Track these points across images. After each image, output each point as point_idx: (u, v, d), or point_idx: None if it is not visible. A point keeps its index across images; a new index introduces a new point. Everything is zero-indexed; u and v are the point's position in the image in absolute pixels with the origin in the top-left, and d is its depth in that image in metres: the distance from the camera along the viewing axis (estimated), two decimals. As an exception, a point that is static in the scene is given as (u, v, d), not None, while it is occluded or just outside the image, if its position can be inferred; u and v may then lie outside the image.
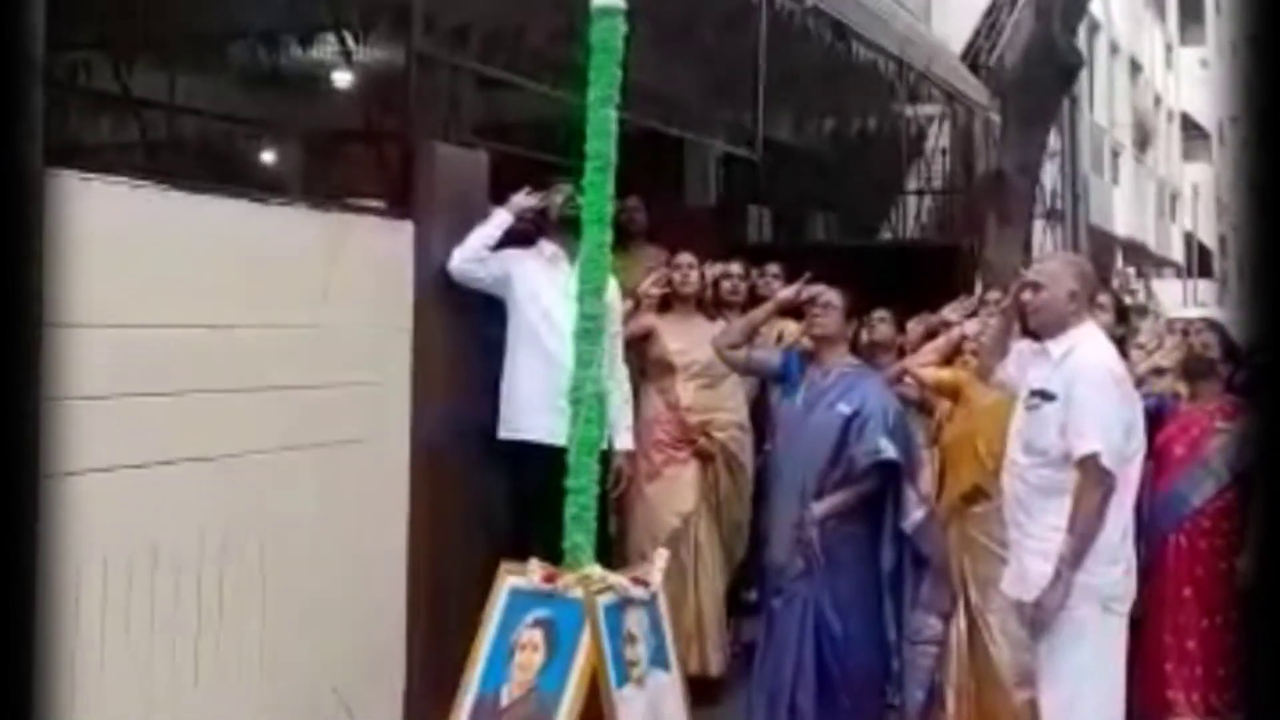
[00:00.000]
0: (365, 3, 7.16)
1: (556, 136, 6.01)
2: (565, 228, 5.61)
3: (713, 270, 6.97)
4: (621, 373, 6.03)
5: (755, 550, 6.61)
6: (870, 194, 13.67)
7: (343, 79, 8.99)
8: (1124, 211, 31.61)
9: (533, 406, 5.61)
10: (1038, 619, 4.57)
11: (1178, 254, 41.99)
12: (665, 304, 6.72)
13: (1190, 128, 44.50)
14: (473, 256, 5.68)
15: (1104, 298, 6.44)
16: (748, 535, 6.79)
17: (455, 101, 7.45)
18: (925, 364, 6.04)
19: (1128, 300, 8.31)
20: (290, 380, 4.88)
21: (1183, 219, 43.25)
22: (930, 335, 6.28)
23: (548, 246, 5.89)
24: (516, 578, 4.56)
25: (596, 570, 4.50)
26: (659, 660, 4.62)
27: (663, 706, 4.61)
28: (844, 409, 5.46)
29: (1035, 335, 4.92)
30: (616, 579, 4.52)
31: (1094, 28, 26.98)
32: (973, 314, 6.31)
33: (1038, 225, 16.22)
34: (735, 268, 7.14)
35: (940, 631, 5.72)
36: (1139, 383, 5.39)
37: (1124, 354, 5.93)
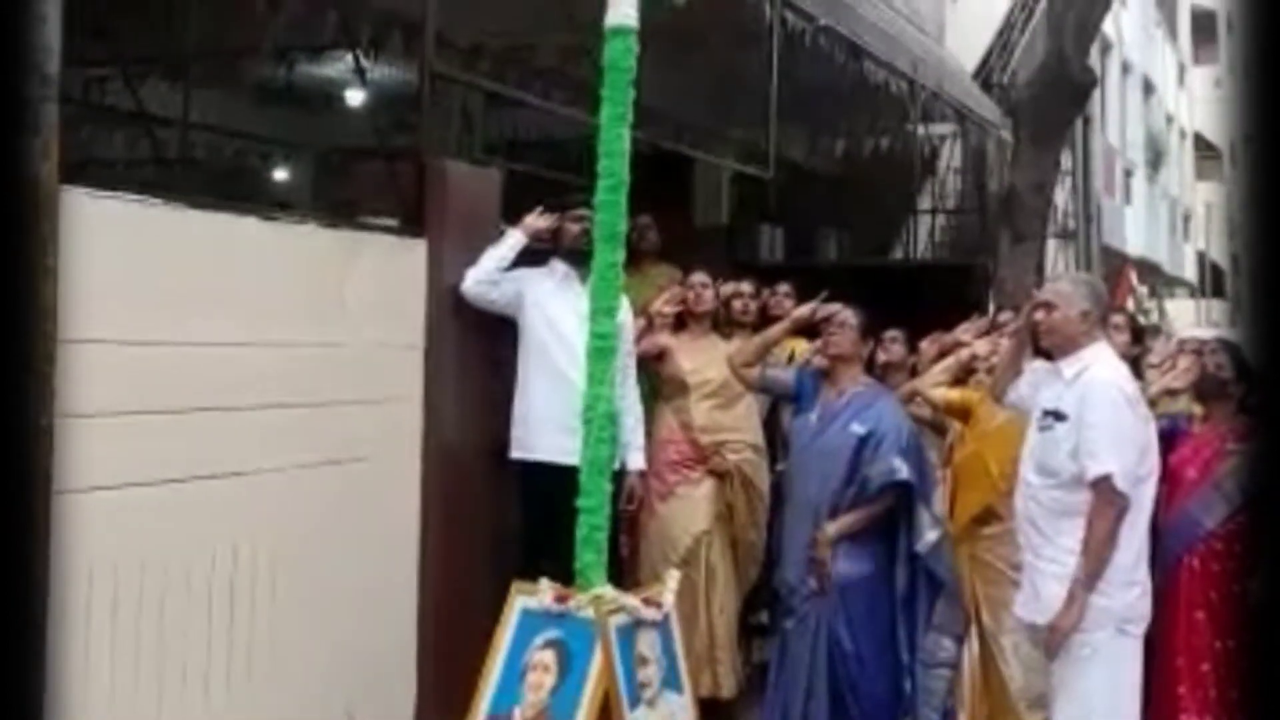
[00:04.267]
0: (378, 21, 7.19)
1: (569, 155, 6.03)
2: (578, 256, 5.61)
3: (724, 289, 6.96)
4: (633, 392, 6.03)
5: (768, 571, 6.59)
6: (882, 213, 13.67)
7: (355, 96, 9.04)
8: (1136, 231, 31.55)
9: (545, 426, 5.60)
10: (1051, 641, 4.55)
11: (1190, 273, 41.93)
12: (679, 323, 6.71)
13: (1203, 147, 44.44)
14: (485, 278, 5.68)
15: (1119, 318, 6.41)
16: (761, 556, 6.77)
17: (468, 119, 7.47)
18: (935, 384, 6.02)
19: (1141, 320, 8.28)
20: (302, 398, 4.88)
21: (1195, 238, 43.20)
22: (943, 355, 6.27)
23: (560, 266, 5.88)
24: (528, 598, 4.55)
25: (608, 591, 4.48)
26: (671, 682, 4.61)
27: (675, 728, 4.60)
28: (858, 429, 5.45)
29: (1048, 355, 4.91)
30: (628, 600, 4.51)
31: (1106, 47, 26.96)
32: (986, 334, 6.30)
33: (1051, 245, 16.20)
34: (746, 287, 7.12)
35: (953, 653, 5.69)
36: (1152, 403, 5.37)
37: (1139, 374, 5.91)
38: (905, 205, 13.79)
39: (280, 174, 11.38)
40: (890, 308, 6.32)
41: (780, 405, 6.71)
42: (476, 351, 5.80)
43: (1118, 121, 30.14)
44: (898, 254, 13.79)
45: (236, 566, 4.58)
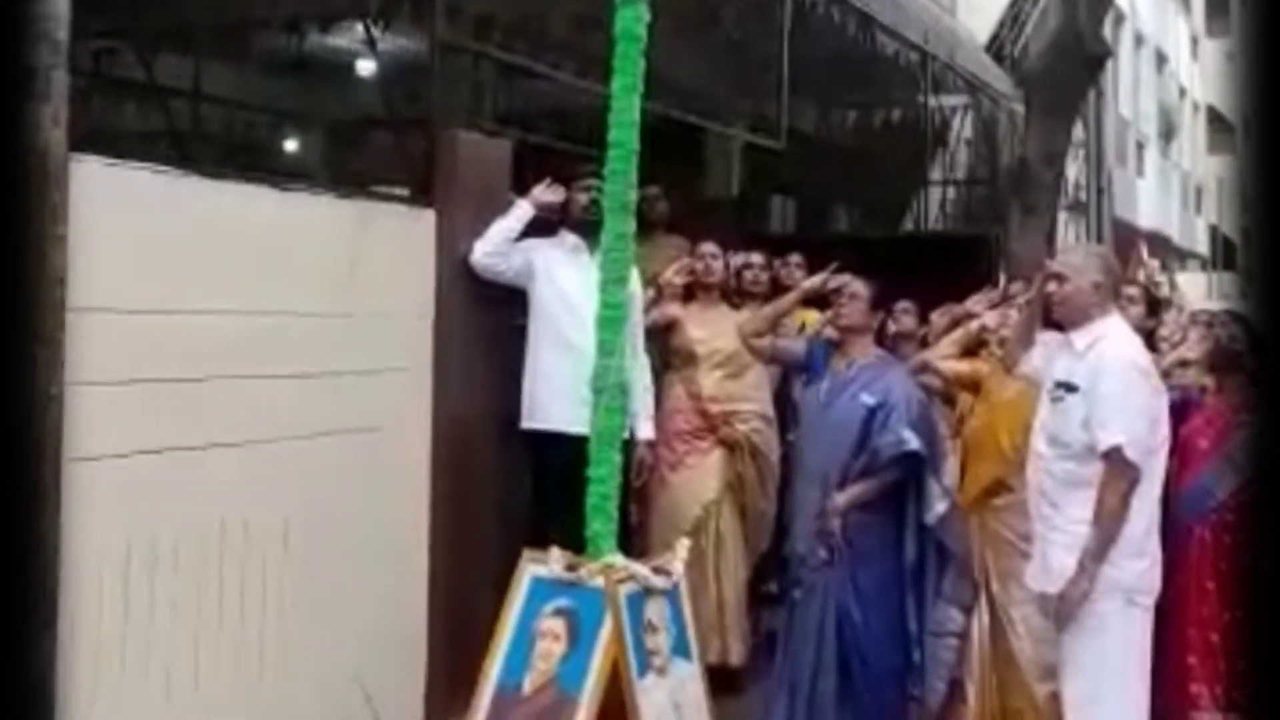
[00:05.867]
0: (389, -9, 7.15)
1: (579, 124, 6.01)
2: (586, 227, 5.62)
3: (735, 260, 6.96)
4: (643, 362, 6.03)
5: (778, 540, 6.60)
6: (893, 184, 13.63)
7: (366, 67, 9.02)
8: (1148, 204, 31.45)
9: (554, 396, 5.61)
10: (1061, 612, 4.55)
11: (1202, 247, 41.78)
12: (689, 293, 6.71)
13: (1215, 120, 44.24)
14: (494, 250, 5.68)
15: (1134, 290, 6.40)
16: (771, 525, 6.78)
17: (478, 89, 7.44)
18: (945, 356, 6.01)
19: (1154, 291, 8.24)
20: (312, 367, 4.88)
21: (1207, 212, 43.04)
22: (954, 326, 6.26)
23: (569, 236, 5.89)
24: (538, 566, 4.56)
25: (618, 559, 4.49)
26: (680, 650, 4.62)
27: (684, 696, 4.60)
28: (867, 400, 5.44)
29: (1060, 327, 4.90)
30: (638, 568, 4.52)
31: (1119, 19, 26.81)
32: (997, 306, 6.28)
33: (1062, 217, 16.14)
34: (757, 258, 7.12)
35: (962, 624, 5.70)
36: (1164, 375, 5.36)
37: (1153, 346, 5.90)
38: (916, 177, 13.75)
39: (291, 145, 11.37)
40: (901, 279, 6.31)
41: (792, 376, 6.71)
42: (486, 322, 5.80)
43: (1130, 94, 30.01)
44: (909, 225, 13.76)
45: (248, 535, 4.59)
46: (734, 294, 6.89)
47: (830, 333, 5.86)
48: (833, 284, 5.80)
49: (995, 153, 15.19)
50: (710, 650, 6.12)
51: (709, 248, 6.75)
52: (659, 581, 4.55)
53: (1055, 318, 4.92)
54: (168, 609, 4.28)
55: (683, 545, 4.91)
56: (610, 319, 4.66)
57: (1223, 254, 41.60)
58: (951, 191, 14.76)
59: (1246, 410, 5.56)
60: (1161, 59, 34.49)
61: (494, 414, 5.82)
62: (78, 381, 3.82)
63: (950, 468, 5.76)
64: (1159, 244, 32.92)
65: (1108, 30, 16.00)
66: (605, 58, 4.67)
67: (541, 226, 5.87)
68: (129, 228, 4.11)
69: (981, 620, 5.62)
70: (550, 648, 4.39)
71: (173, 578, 4.29)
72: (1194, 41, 40.79)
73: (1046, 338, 5.01)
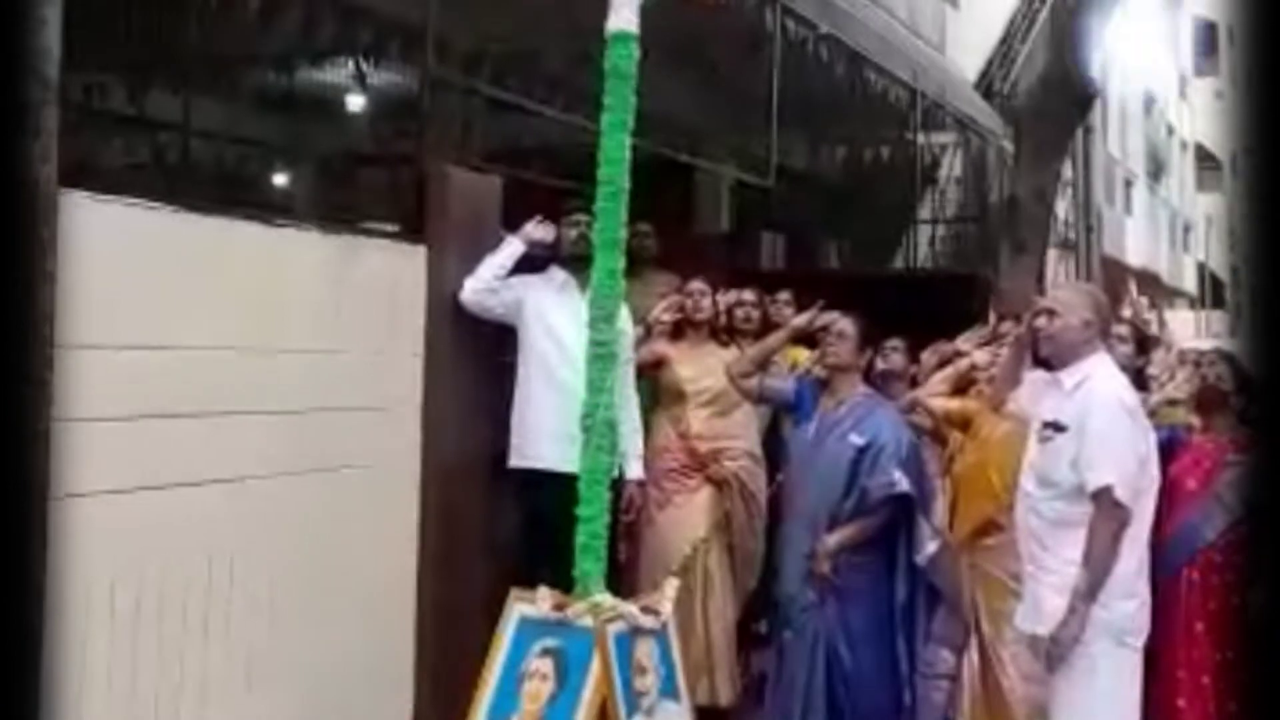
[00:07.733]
0: (379, 27, 7.18)
1: (569, 161, 6.01)
2: (576, 262, 5.61)
3: (726, 298, 6.94)
4: (632, 400, 6.01)
5: (767, 580, 6.57)
6: (883, 222, 13.66)
7: (356, 103, 9.03)
8: (1137, 242, 31.56)
9: (543, 434, 5.59)
10: (1052, 653, 4.54)
11: (1190, 285, 41.93)
12: (677, 331, 6.69)
13: (1204, 158, 44.44)
14: (484, 286, 5.67)
15: (1123, 328, 6.40)
16: (760, 566, 6.75)
17: (468, 125, 7.44)
18: (935, 394, 6.00)
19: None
20: (301, 404, 4.87)
21: (1196, 250, 43.21)
22: (944, 364, 6.25)
23: (559, 273, 5.88)
24: (526, 605, 4.53)
25: (606, 599, 4.46)
26: (668, 691, 4.58)
27: (672, 738, 4.57)
28: (857, 440, 5.43)
29: (1048, 366, 4.90)
30: (627, 608, 4.49)
31: (1107, 58, 26.95)
32: (987, 343, 6.28)
33: (1051, 255, 16.19)
34: (748, 295, 7.10)
35: (953, 665, 5.67)
36: (1151, 414, 5.35)
37: (1143, 385, 5.89)
38: (906, 214, 13.78)
39: (281, 180, 11.38)
40: (891, 317, 6.30)
41: (781, 415, 6.70)
42: (476, 359, 5.79)
43: (1118, 132, 30.15)
44: (898, 263, 13.79)
45: (234, 573, 4.56)
46: (725, 331, 6.87)
47: (819, 371, 5.86)
48: (821, 322, 5.79)
49: (985, 190, 15.24)
50: (699, 691, 6.09)
51: (697, 285, 6.74)
52: (647, 621, 4.52)
53: (1044, 354, 4.92)
54: (154, 644, 4.25)
55: (671, 584, 4.88)
56: (600, 356, 4.64)
57: (1211, 292, 41.76)
58: (941, 229, 14.79)
59: (1235, 450, 5.56)
60: (1150, 97, 34.68)
61: (483, 451, 5.80)
62: (67, 418, 3.81)
63: (940, 507, 5.74)
64: (1148, 282, 33.06)
65: (1096, 69, 16.08)
66: (595, 94, 4.67)
67: (531, 264, 5.86)
68: (118, 263, 4.10)
69: (972, 661, 5.59)
70: (538, 688, 4.36)
71: (159, 612, 4.27)
72: (1182, 80, 41.04)
73: (1034, 376, 5.01)
